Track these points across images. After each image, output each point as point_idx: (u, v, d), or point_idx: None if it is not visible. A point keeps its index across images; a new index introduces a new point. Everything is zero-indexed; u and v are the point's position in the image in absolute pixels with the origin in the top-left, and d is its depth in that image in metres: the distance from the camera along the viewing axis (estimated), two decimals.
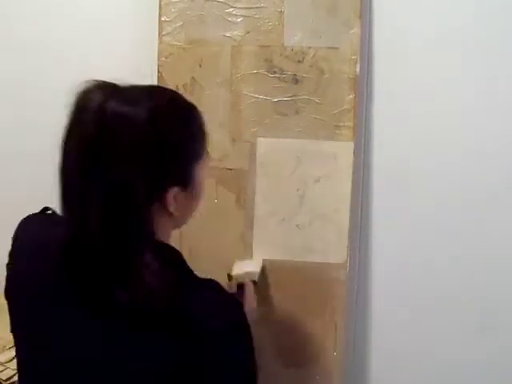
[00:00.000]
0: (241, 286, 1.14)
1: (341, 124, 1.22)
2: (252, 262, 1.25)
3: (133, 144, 0.70)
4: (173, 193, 0.75)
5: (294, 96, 1.23)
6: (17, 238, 0.83)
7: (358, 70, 1.21)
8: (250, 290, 1.14)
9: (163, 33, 1.25)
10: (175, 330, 0.71)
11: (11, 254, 0.82)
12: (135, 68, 1.35)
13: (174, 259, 0.78)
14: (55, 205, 0.76)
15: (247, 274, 1.19)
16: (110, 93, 0.73)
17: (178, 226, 0.84)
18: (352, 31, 1.20)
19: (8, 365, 1.23)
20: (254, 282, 1.18)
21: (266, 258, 1.27)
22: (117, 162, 0.69)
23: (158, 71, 1.26)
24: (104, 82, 0.76)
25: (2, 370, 1.22)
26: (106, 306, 0.71)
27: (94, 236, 0.70)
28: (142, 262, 0.70)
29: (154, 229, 0.75)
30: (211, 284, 0.79)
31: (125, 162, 0.69)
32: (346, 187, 1.23)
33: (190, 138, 0.79)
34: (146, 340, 0.71)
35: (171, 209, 0.76)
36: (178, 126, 0.77)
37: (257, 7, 1.22)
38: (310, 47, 1.22)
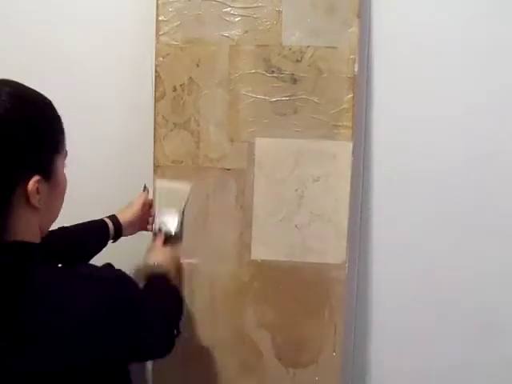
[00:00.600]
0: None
1: (339, 124, 1.22)
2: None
3: None
4: (35, 181, 0.75)
5: (292, 96, 1.23)
6: None
7: (356, 69, 1.20)
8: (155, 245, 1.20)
9: (160, 32, 1.24)
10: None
11: None
12: (133, 68, 1.34)
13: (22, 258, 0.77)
14: None
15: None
16: None
17: (42, 224, 0.83)
18: (350, 30, 1.20)
19: None
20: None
21: (265, 258, 1.27)
22: None
23: (156, 71, 1.25)
24: None
25: None
26: None
27: None
28: None
29: (17, 226, 0.76)
30: (69, 272, 0.79)
31: None
32: (345, 187, 1.23)
33: (49, 129, 0.80)
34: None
35: (33, 200, 0.76)
36: (36, 116, 0.78)
37: (255, 6, 1.21)
38: (308, 46, 1.21)
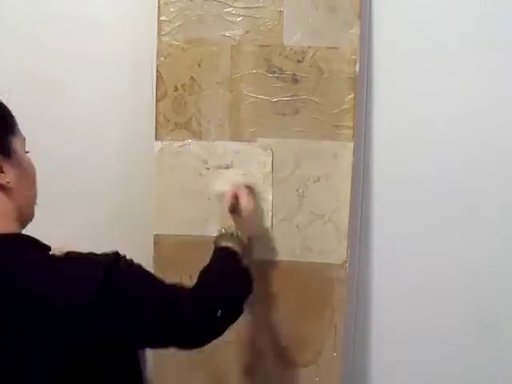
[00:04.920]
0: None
1: (340, 124, 1.22)
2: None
3: None
4: None
5: (293, 96, 1.23)
6: None
7: (357, 69, 1.20)
8: (242, 195, 1.16)
9: (162, 32, 1.25)
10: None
11: None
12: (134, 68, 1.35)
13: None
14: None
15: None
16: None
17: (20, 208, 0.84)
18: (352, 31, 1.20)
19: None
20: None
21: (266, 258, 1.27)
22: None
23: (157, 71, 1.26)
24: None
25: None
26: None
27: None
28: None
29: None
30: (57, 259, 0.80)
31: None
32: (346, 187, 1.23)
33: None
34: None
35: (0, 180, 0.79)
36: None
37: (256, 7, 1.22)
38: (309, 47, 1.21)
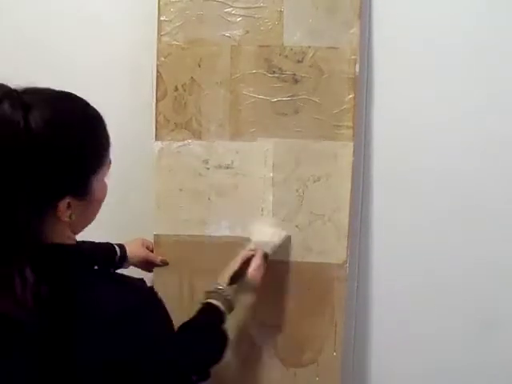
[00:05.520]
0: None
1: (340, 124, 1.22)
2: (271, 232, 1.24)
3: (15, 153, 0.69)
4: (65, 202, 0.76)
5: (293, 96, 1.23)
6: None
7: (357, 69, 1.21)
8: (255, 263, 1.15)
9: (162, 33, 1.25)
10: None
11: None
12: (134, 68, 1.35)
13: (63, 263, 0.79)
14: None
15: (264, 244, 1.20)
16: (5, 94, 0.72)
17: (77, 229, 0.84)
18: (352, 31, 1.20)
19: None
20: (265, 254, 1.19)
21: None
22: None
23: (157, 71, 1.26)
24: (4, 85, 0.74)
25: None
26: None
27: None
28: (17, 275, 0.71)
29: (49, 236, 0.77)
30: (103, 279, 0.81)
31: (3, 170, 0.70)
32: (346, 187, 1.23)
33: (84, 153, 0.77)
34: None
35: (64, 217, 0.77)
36: (73, 139, 0.76)
37: (256, 7, 1.22)
38: (309, 47, 1.21)
